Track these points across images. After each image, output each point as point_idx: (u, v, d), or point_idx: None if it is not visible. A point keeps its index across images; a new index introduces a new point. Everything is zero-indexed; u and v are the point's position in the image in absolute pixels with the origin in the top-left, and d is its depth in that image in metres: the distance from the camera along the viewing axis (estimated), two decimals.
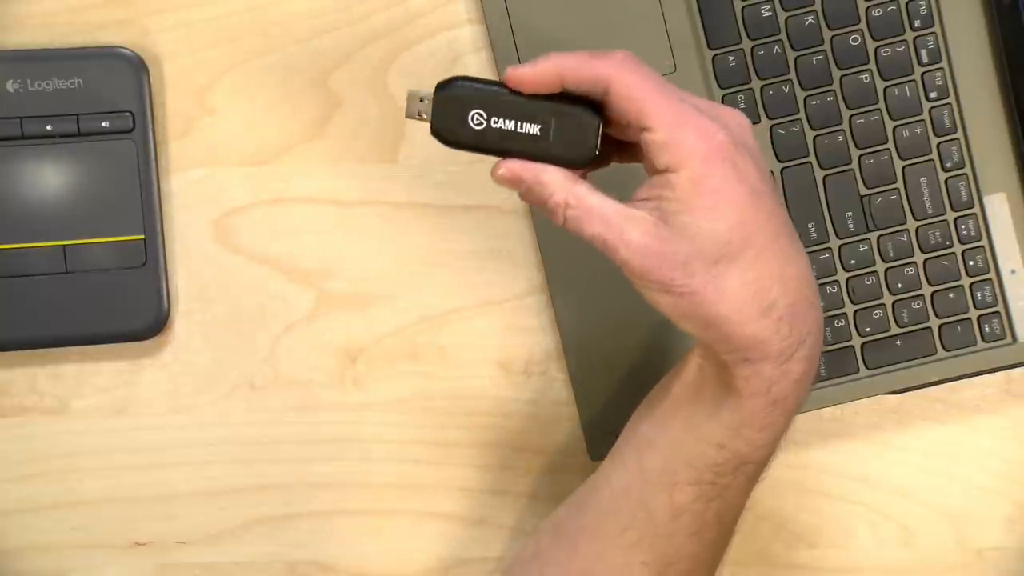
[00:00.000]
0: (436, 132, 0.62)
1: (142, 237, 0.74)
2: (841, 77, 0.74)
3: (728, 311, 0.59)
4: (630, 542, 0.64)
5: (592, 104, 0.61)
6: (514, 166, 0.61)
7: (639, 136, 0.60)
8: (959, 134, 0.75)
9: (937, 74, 0.75)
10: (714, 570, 0.66)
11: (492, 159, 0.62)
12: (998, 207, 0.75)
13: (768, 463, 0.64)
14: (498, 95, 0.61)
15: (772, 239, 0.60)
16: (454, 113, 0.61)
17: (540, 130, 0.61)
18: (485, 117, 0.61)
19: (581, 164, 0.61)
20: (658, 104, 0.59)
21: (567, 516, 0.67)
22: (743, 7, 0.74)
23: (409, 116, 0.62)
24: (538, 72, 0.60)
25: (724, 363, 0.61)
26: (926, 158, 0.75)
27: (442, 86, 0.62)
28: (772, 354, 0.60)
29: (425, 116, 0.62)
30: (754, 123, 0.74)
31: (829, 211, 0.75)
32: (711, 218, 0.59)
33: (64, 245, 0.74)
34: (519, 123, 0.61)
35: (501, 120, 0.61)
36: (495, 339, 0.76)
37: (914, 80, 0.75)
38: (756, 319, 0.59)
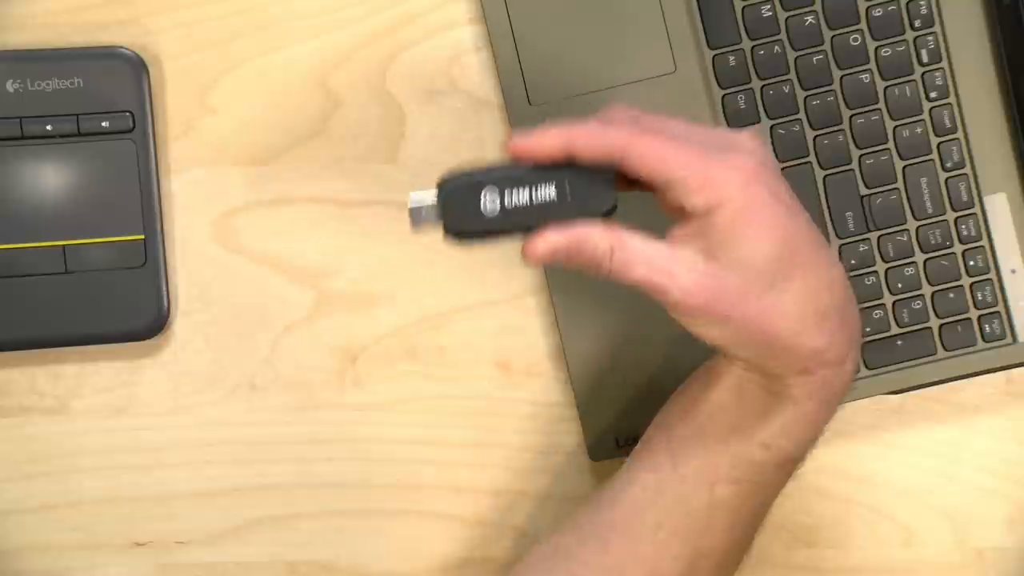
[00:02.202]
0: (452, 230, 0.59)
1: (142, 237, 0.74)
2: (841, 77, 0.74)
3: (787, 330, 0.60)
4: (664, 538, 0.64)
5: None
6: (550, 236, 0.59)
7: (667, 188, 0.59)
8: (959, 134, 0.75)
9: (937, 74, 0.75)
10: (740, 560, 0.67)
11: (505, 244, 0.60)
12: (998, 207, 0.75)
13: (806, 458, 0.65)
14: (503, 171, 0.59)
15: (813, 251, 0.61)
16: (465, 204, 0.59)
17: (556, 191, 0.59)
18: (497, 195, 0.59)
19: (604, 214, 0.60)
20: (680, 155, 0.59)
21: (592, 514, 0.67)
22: (743, 7, 0.74)
23: (416, 225, 0.59)
24: (546, 144, 0.59)
25: (776, 375, 0.62)
26: (926, 158, 0.75)
27: (443, 182, 0.59)
28: (830, 360, 0.61)
29: (433, 220, 0.59)
30: (754, 123, 0.74)
31: (829, 211, 0.75)
32: (759, 244, 0.59)
33: (64, 245, 0.74)
34: (533, 192, 0.59)
35: (515, 194, 0.59)
36: (495, 339, 0.76)
37: (914, 80, 0.75)
38: (814, 331, 0.60)
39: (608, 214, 0.60)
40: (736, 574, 0.68)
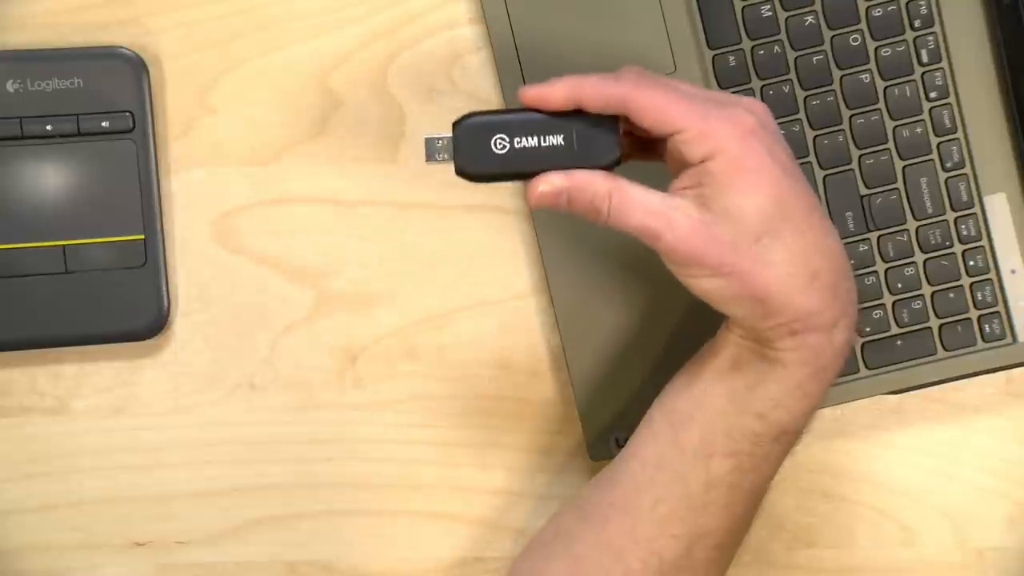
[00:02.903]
0: (461, 167, 0.62)
1: (142, 237, 0.74)
2: (841, 77, 0.74)
3: (777, 284, 0.61)
4: (662, 516, 0.65)
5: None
6: (553, 178, 0.62)
7: (668, 141, 0.61)
8: (959, 134, 0.75)
9: (937, 74, 0.75)
10: (739, 544, 0.67)
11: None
12: (998, 207, 0.75)
13: (803, 434, 0.65)
14: (515, 117, 0.62)
15: (808, 213, 0.62)
16: (476, 143, 0.62)
17: (563, 140, 0.62)
18: (508, 139, 0.62)
19: (607, 167, 0.62)
20: (682, 108, 0.61)
21: (593, 494, 0.67)
22: (743, 7, 0.74)
23: (430, 160, 0.62)
24: (556, 91, 0.62)
25: (767, 338, 0.62)
26: (926, 158, 0.75)
27: (458, 122, 0.62)
28: (819, 324, 0.62)
29: (447, 156, 0.62)
30: None
31: (829, 211, 0.75)
32: (752, 196, 0.60)
33: (64, 245, 0.74)
34: (542, 138, 0.62)
35: (524, 138, 0.62)
36: (495, 339, 0.76)
37: (914, 80, 0.75)
38: (804, 289, 0.61)
39: (611, 167, 0.62)
40: (736, 574, 0.68)
